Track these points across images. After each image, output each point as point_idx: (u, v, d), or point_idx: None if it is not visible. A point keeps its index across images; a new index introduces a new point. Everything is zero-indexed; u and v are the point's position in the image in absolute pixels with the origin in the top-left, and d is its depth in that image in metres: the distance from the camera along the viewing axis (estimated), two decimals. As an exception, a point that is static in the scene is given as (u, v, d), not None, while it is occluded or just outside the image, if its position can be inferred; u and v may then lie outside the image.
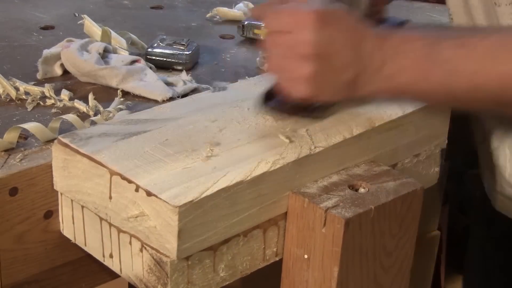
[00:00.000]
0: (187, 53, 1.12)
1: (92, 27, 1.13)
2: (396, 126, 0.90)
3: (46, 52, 1.07)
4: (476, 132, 1.09)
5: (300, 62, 0.82)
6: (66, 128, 0.90)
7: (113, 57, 1.07)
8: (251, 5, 1.37)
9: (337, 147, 0.84)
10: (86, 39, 1.09)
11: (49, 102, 0.98)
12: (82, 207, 0.82)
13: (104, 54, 1.07)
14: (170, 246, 0.73)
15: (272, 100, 0.89)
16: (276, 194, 0.80)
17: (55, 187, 0.84)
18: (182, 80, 1.06)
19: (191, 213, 0.73)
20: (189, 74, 1.09)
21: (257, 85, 0.97)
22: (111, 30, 1.12)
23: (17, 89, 0.99)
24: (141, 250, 0.77)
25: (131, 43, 1.16)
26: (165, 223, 0.73)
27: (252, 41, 1.24)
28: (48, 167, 0.83)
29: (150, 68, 1.07)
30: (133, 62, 1.07)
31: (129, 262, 0.79)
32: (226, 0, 1.40)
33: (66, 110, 0.97)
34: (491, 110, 0.94)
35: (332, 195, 0.81)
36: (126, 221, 0.77)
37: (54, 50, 1.08)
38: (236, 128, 0.86)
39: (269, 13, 0.85)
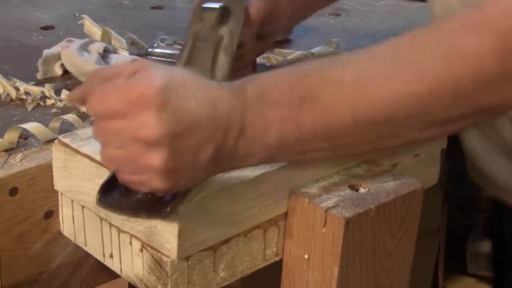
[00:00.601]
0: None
1: (92, 27, 1.13)
2: (396, 126, 0.90)
3: (46, 52, 1.07)
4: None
5: (147, 150, 0.66)
6: (66, 128, 0.90)
7: (113, 57, 1.07)
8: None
9: (337, 147, 0.84)
10: (86, 39, 1.09)
11: (49, 102, 0.98)
12: (82, 207, 0.82)
13: (104, 54, 1.07)
14: (170, 246, 0.73)
15: (112, 193, 0.72)
16: (276, 194, 0.80)
17: (55, 187, 0.84)
18: (182, 80, 1.06)
19: (191, 213, 0.73)
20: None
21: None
22: (111, 30, 1.12)
23: (17, 89, 1.00)
24: (141, 250, 0.77)
25: (131, 43, 1.16)
26: (165, 223, 0.73)
27: (252, 41, 1.24)
28: (48, 167, 0.83)
29: (150, 68, 1.07)
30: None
31: (129, 262, 0.79)
32: (225, 0, 1.40)
33: (66, 110, 0.97)
34: (378, 146, 0.78)
35: (332, 195, 0.81)
36: (126, 221, 0.77)
37: (54, 50, 1.08)
38: (236, 128, 0.86)
39: (94, 94, 0.68)
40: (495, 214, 1.14)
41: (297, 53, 1.16)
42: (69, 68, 1.06)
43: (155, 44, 1.13)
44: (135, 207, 0.71)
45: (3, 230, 0.81)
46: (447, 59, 0.68)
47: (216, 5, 0.91)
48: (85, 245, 0.84)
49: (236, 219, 0.78)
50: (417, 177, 0.88)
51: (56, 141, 0.83)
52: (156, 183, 0.68)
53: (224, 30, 0.90)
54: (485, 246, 1.82)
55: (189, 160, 0.68)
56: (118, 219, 0.77)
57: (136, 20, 1.32)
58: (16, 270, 0.84)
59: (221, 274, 0.79)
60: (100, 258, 0.83)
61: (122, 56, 1.08)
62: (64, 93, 0.99)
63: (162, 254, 0.75)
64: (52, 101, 0.98)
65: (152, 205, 0.71)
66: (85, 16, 1.15)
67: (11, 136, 0.86)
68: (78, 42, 1.07)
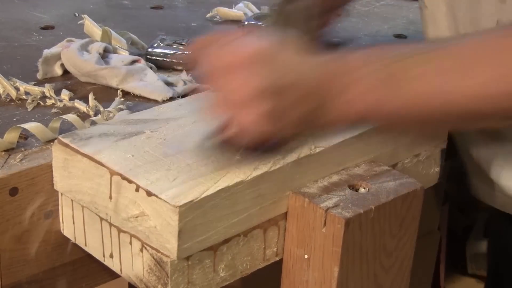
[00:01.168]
0: (187, 53, 1.12)
1: (92, 27, 1.13)
2: (396, 126, 0.90)
3: (46, 52, 1.07)
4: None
5: (254, 101, 0.76)
6: (66, 128, 0.90)
7: (113, 57, 1.07)
8: (251, 5, 1.37)
9: (337, 147, 0.84)
10: (86, 39, 1.09)
11: (49, 102, 0.98)
12: (82, 207, 0.82)
13: (104, 54, 1.07)
14: (170, 246, 0.73)
15: (222, 138, 0.81)
16: (276, 194, 0.80)
17: (55, 187, 0.84)
18: (182, 80, 1.06)
19: (191, 213, 0.73)
20: (189, 74, 1.09)
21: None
22: (111, 30, 1.12)
23: (17, 89, 1.00)
24: (141, 250, 0.77)
25: (131, 43, 1.16)
26: (165, 223, 0.73)
27: (252, 41, 1.24)
28: (48, 167, 0.83)
29: (150, 68, 1.07)
30: (133, 62, 1.07)
31: (129, 262, 0.79)
32: (226, 0, 1.40)
33: (66, 110, 0.97)
34: (467, 127, 0.89)
35: (332, 195, 0.81)
36: (126, 221, 0.77)
37: (54, 50, 1.08)
38: (236, 128, 0.86)
39: (211, 53, 0.79)
40: (494, 214, 1.14)
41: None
42: (69, 68, 1.06)
43: (155, 44, 1.13)
44: (245, 148, 0.80)
45: (3, 230, 0.81)
46: None
47: None
48: (85, 245, 0.84)
49: (236, 219, 0.78)
50: (417, 177, 0.88)
51: (56, 141, 0.83)
52: (262, 127, 0.77)
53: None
54: (485, 246, 1.82)
55: (288, 111, 0.77)
56: (118, 219, 0.78)
57: (136, 20, 1.32)
58: (16, 270, 0.84)
59: (221, 274, 0.79)
60: (100, 258, 0.83)
61: (122, 56, 1.08)
62: (64, 93, 0.99)
63: (162, 254, 0.75)
64: (52, 101, 0.98)
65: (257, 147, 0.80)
66: (85, 16, 1.15)
67: (11, 136, 0.86)
68: (78, 42, 1.07)
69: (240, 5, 1.37)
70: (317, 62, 0.78)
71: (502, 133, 1.00)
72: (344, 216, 0.77)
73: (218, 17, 1.35)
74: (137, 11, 1.37)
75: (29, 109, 0.97)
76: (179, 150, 0.81)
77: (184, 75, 1.08)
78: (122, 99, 0.99)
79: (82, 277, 0.90)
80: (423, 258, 1.42)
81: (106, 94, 1.02)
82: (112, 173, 0.77)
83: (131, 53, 1.11)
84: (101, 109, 0.96)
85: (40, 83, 1.03)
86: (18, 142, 0.87)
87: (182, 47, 1.12)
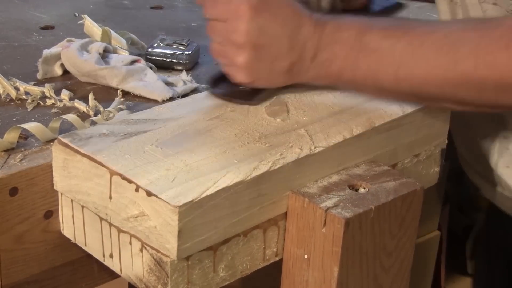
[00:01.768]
0: (187, 53, 1.12)
1: (92, 27, 1.13)
2: (396, 126, 0.90)
3: (46, 52, 1.07)
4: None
5: (235, 50, 0.86)
6: (66, 128, 0.90)
7: (113, 57, 1.07)
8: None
9: (337, 147, 0.84)
10: (86, 39, 1.09)
11: (49, 102, 0.98)
12: (82, 207, 0.82)
13: (104, 54, 1.07)
14: (170, 246, 0.73)
15: (221, 84, 0.94)
16: (276, 194, 0.80)
17: (55, 187, 0.84)
18: (182, 80, 1.06)
19: (191, 213, 0.73)
20: (189, 74, 1.09)
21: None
22: (111, 30, 1.12)
23: (17, 89, 0.99)
24: (141, 250, 0.77)
25: (131, 43, 1.16)
26: (165, 223, 0.73)
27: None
28: (48, 167, 0.83)
29: (150, 68, 1.07)
30: (133, 62, 1.06)
31: (129, 262, 0.79)
32: (226, 0, 1.40)
33: (66, 110, 0.97)
34: (419, 104, 0.94)
35: (332, 195, 0.81)
36: (126, 221, 0.77)
37: (54, 50, 1.08)
38: (236, 128, 0.86)
39: (208, 0, 0.88)
40: (492, 214, 1.14)
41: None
42: (69, 68, 1.06)
43: (155, 44, 1.13)
44: (235, 95, 0.91)
45: (3, 230, 0.81)
46: (477, 61, 0.81)
47: None
48: (85, 245, 0.84)
49: (236, 219, 0.78)
50: (417, 177, 0.88)
51: (56, 141, 0.83)
52: (240, 77, 0.88)
53: None
54: (485, 246, 1.82)
55: (266, 65, 0.87)
56: (118, 219, 0.78)
57: (136, 20, 1.32)
58: (16, 270, 0.84)
59: (221, 274, 0.79)
60: (100, 258, 0.83)
61: (122, 56, 1.08)
62: (64, 93, 0.99)
63: (162, 254, 0.75)
64: (52, 101, 0.98)
65: (247, 95, 0.91)
66: (85, 16, 1.14)
67: (11, 136, 0.86)
68: (78, 42, 1.07)
69: (240, 5, 1.37)
70: (312, 22, 0.86)
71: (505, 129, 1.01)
72: (344, 216, 0.77)
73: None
74: (137, 11, 1.37)
75: (29, 109, 0.97)
76: (179, 150, 0.81)
77: (184, 75, 1.08)
78: (122, 99, 0.99)
79: (82, 277, 0.90)
80: (423, 258, 1.42)
81: (106, 94, 1.02)
82: (112, 173, 0.77)
83: (131, 53, 1.11)
84: (101, 109, 0.95)
85: (40, 83, 1.03)
86: (18, 142, 0.87)
87: (182, 47, 1.12)
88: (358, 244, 0.80)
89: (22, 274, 0.84)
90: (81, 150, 0.80)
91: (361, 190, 0.83)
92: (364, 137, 0.87)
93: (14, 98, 0.98)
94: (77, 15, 1.27)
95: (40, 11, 1.32)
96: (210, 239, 0.76)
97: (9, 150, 0.85)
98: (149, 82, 1.03)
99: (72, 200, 0.83)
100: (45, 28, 1.25)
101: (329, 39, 0.86)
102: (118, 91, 1.02)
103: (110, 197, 0.77)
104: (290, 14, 0.86)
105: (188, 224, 0.73)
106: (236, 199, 0.77)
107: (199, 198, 0.73)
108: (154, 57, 1.12)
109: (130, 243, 0.78)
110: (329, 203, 0.79)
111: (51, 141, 0.87)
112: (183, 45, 1.13)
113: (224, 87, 0.93)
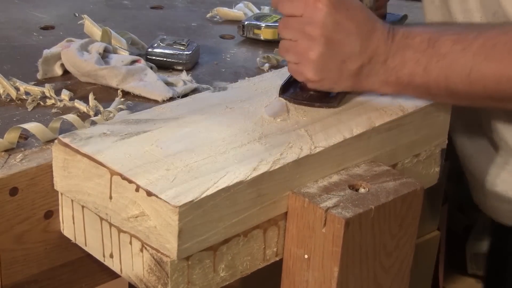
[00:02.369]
0: (187, 53, 1.12)
1: (92, 27, 1.13)
2: (396, 126, 0.90)
3: (46, 52, 1.07)
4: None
5: (308, 44, 0.86)
6: (67, 128, 0.90)
7: (113, 57, 1.07)
8: (251, 5, 1.37)
9: (337, 147, 0.84)
10: (86, 39, 1.09)
11: (49, 102, 0.98)
12: (82, 207, 0.82)
13: (104, 54, 1.07)
14: (170, 246, 0.73)
15: (290, 90, 0.93)
16: (276, 194, 0.80)
17: (55, 187, 0.84)
18: (182, 80, 1.06)
19: (191, 213, 0.73)
20: (189, 74, 1.09)
21: (257, 86, 0.97)
22: (111, 30, 1.12)
23: (17, 89, 1.00)
24: (141, 250, 0.77)
25: (131, 43, 1.16)
26: (165, 223, 0.73)
27: (252, 41, 1.24)
28: (48, 167, 0.83)
29: (151, 68, 1.07)
30: (133, 62, 1.07)
31: (129, 262, 0.79)
32: (226, 0, 1.40)
33: (66, 110, 0.97)
34: (490, 106, 0.97)
35: (332, 195, 0.81)
36: (126, 221, 0.77)
37: (54, 50, 1.08)
38: (236, 128, 0.86)
39: None
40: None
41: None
42: (69, 68, 1.06)
43: (155, 44, 1.13)
44: (309, 99, 0.91)
45: (3, 230, 0.81)
46: None
47: None
48: (85, 245, 0.84)
49: (236, 219, 0.78)
50: (417, 177, 0.88)
51: (56, 141, 0.83)
52: (309, 73, 0.87)
53: None
54: (485, 246, 1.82)
55: (337, 64, 0.87)
56: (118, 219, 0.78)
57: (136, 20, 1.32)
58: (16, 270, 0.84)
59: (221, 274, 0.79)
60: (100, 258, 0.83)
61: (122, 56, 1.08)
62: (64, 93, 0.99)
63: (162, 254, 0.75)
64: (52, 101, 0.98)
65: (322, 98, 0.91)
66: (85, 16, 1.15)
67: (11, 136, 0.86)
68: (78, 42, 1.07)
69: (240, 5, 1.37)
70: (374, 27, 0.87)
71: (498, 142, 1.02)
72: (344, 216, 0.77)
73: (218, 17, 1.35)
74: (137, 11, 1.37)
75: (29, 109, 0.97)
76: (179, 150, 0.81)
77: (184, 75, 1.08)
78: (122, 99, 0.99)
79: (82, 277, 0.90)
80: (423, 258, 1.42)
81: (106, 94, 1.02)
82: (112, 173, 0.77)
83: (131, 53, 1.11)
84: (101, 109, 0.95)
85: (40, 83, 1.03)
86: (18, 142, 0.87)
87: (182, 47, 1.12)
88: (358, 244, 0.80)
89: (22, 274, 0.84)
90: (81, 150, 0.80)
91: (361, 190, 0.83)
92: (364, 137, 0.87)
93: (14, 98, 0.98)
94: (77, 15, 1.27)
95: (40, 11, 1.32)
96: (210, 239, 0.76)
97: (9, 150, 0.85)
98: (149, 82, 1.03)
99: (72, 200, 0.83)
100: (45, 28, 1.25)
101: (401, 45, 0.87)
102: (118, 91, 1.02)
103: (110, 197, 0.77)
104: (365, 18, 0.87)
105: (188, 224, 0.73)
106: (236, 199, 0.77)
107: (199, 198, 0.73)
108: (154, 57, 1.12)
109: (130, 243, 0.78)
110: (329, 203, 0.79)
111: (51, 141, 0.87)
112: (183, 45, 1.13)
113: (295, 92, 0.93)
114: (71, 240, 0.85)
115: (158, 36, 1.17)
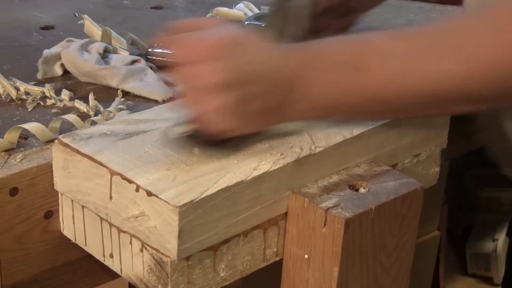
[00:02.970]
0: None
1: (92, 27, 1.13)
2: (396, 126, 0.90)
3: (46, 52, 1.07)
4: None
5: (208, 94, 0.76)
6: (67, 128, 0.90)
7: (113, 57, 1.07)
8: (251, 5, 1.37)
9: (337, 147, 0.84)
10: (86, 39, 1.09)
11: (49, 102, 0.98)
12: (83, 207, 0.82)
13: (104, 54, 1.07)
14: (170, 246, 0.73)
15: (185, 131, 0.83)
16: (276, 194, 0.80)
17: (55, 187, 0.84)
18: (182, 80, 1.06)
19: (191, 213, 0.73)
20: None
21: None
22: (111, 30, 1.12)
23: (17, 89, 0.99)
24: (141, 250, 0.77)
25: (131, 43, 1.16)
26: (165, 223, 0.73)
27: (252, 41, 1.24)
28: (49, 167, 0.83)
29: (151, 68, 1.07)
30: (133, 62, 1.06)
31: (129, 262, 0.79)
32: (226, 0, 1.40)
33: (66, 110, 0.97)
34: (431, 113, 0.88)
35: (332, 195, 0.81)
36: (127, 221, 0.77)
37: (54, 50, 1.08)
38: (236, 128, 0.86)
39: (175, 42, 0.80)
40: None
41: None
42: (69, 68, 1.06)
43: (155, 44, 1.13)
44: (203, 143, 0.80)
45: (3, 230, 0.81)
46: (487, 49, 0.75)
47: None
48: (85, 245, 0.84)
49: (236, 219, 0.78)
50: (417, 177, 0.88)
51: (56, 141, 0.83)
52: (217, 124, 0.78)
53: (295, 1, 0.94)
54: (485, 246, 1.82)
55: (240, 108, 0.77)
56: (118, 219, 0.78)
57: (136, 20, 1.32)
58: (16, 270, 0.84)
59: (221, 274, 0.79)
60: (100, 258, 0.83)
61: (122, 56, 1.08)
62: (64, 93, 0.99)
63: (162, 254, 0.75)
64: (52, 101, 0.98)
65: (217, 142, 0.80)
66: (85, 16, 1.14)
67: (11, 136, 0.86)
68: (78, 42, 1.07)
69: (240, 5, 1.37)
70: (282, 52, 0.78)
71: None
72: (344, 216, 0.77)
73: (218, 17, 1.35)
74: (137, 11, 1.37)
75: (29, 109, 0.97)
76: (179, 150, 0.81)
77: (184, 75, 1.08)
78: (122, 99, 0.99)
79: (82, 277, 0.90)
80: (423, 258, 1.42)
81: (106, 94, 1.02)
82: (112, 173, 0.77)
83: (131, 53, 1.11)
84: (101, 109, 0.95)
85: (40, 83, 1.03)
86: (18, 142, 0.87)
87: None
88: (358, 244, 0.80)
89: (22, 274, 0.84)
90: (81, 150, 0.80)
91: (361, 190, 0.83)
92: (364, 137, 0.87)
93: (14, 98, 0.98)
94: (77, 15, 1.27)
95: (40, 11, 1.32)
96: (210, 239, 0.76)
97: (9, 150, 0.85)
98: (149, 82, 1.03)
99: (72, 200, 0.83)
100: (45, 28, 1.25)
101: (308, 67, 0.78)
102: (118, 91, 1.02)
103: (111, 197, 0.77)
104: (258, 48, 0.78)
105: (189, 224, 0.73)
106: (236, 199, 0.77)
107: (199, 198, 0.73)
108: (154, 57, 1.11)
109: (130, 243, 0.78)
110: (329, 203, 0.79)
111: (51, 141, 0.87)
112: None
113: (191, 134, 0.82)
114: (71, 240, 0.85)
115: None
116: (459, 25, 0.79)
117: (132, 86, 1.03)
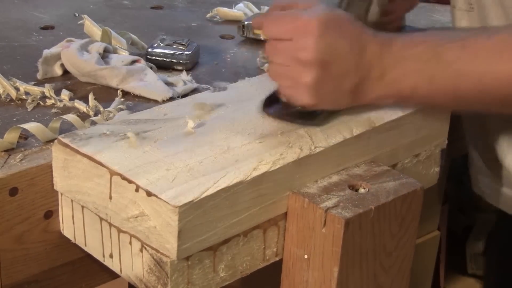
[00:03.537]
0: (187, 53, 1.12)
1: (92, 27, 1.13)
2: (396, 126, 0.90)
3: (46, 52, 1.07)
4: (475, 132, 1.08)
5: (301, 69, 0.82)
6: (66, 128, 0.90)
7: (113, 57, 1.07)
8: (251, 5, 1.37)
9: (337, 147, 0.84)
10: (86, 39, 1.09)
11: (49, 102, 0.98)
12: (82, 207, 0.82)
13: (104, 54, 1.07)
14: (170, 246, 0.73)
15: (274, 105, 0.88)
16: (276, 194, 0.80)
17: (55, 187, 0.84)
18: (182, 80, 1.06)
19: (191, 213, 0.73)
20: (189, 74, 1.09)
21: (257, 86, 0.97)
22: (111, 30, 1.12)
23: (17, 89, 1.00)
24: (141, 250, 0.77)
25: (131, 43, 1.16)
26: (165, 223, 0.73)
27: (252, 41, 1.24)
28: (48, 167, 0.83)
29: (151, 68, 1.07)
30: (133, 62, 1.07)
31: (129, 262, 0.79)
32: (226, 0, 1.40)
33: (66, 110, 0.97)
34: (498, 111, 0.92)
35: (332, 195, 0.81)
36: (126, 221, 0.77)
37: (54, 50, 1.08)
38: (236, 128, 0.86)
39: (269, 20, 0.84)
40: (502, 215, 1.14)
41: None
42: (69, 68, 1.06)
43: (155, 44, 1.13)
44: (293, 115, 0.87)
45: (3, 230, 0.81)
46: None
47: None
48: (85, 245, 0.84)
49: (236, 219, 0.78)
50: (417, 177, 0.88)
51: (56, 141, 0.83)
52: (305, 98, 0.84)
53: None
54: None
55: (333, 84, 0.83)
56: (118, 219, 0.78)
57: (136, 20, 1.32)
58: (16, 270, 0.84)
59: (221, 274, 0.79)
60: (100, 258, 0.83)
61: (122, 56, 1.08)
62: (64, 93, 0.99)
63: (162, 254, 0.75)
64: (52, 101, 0.98)
65: (306, 115, 0.86)
66: (85, 16, 1.15)
67: (11, 136, 0.86)
68: (78, 42, 1.07)
69: (240, 5, 1.37)
70: (366, 41, 0.84)
71: None
72: (344, 216, 0.77)
73: (218, 17, 1.35)
74: (137, 11, 1.37)
75: (29, 109, 0.97)
76: (179, 150, 0.81)
77: (184, 75, 1.08)
78: (122, 99, 0.99)
79: (82, 277, 0.90)
80: (423, 258, 1.42)
81: (106, 94, 1.02)
82: (112, 173, 0.77)
83: (131, 53, 1.11)
84: (101, 109, 0.96)
85: (40, 83, 1.03)
86: (18, 142, 0.87)
87: (182, 47, 1.12)
88: (358, 244, 0.80)
89: (22, 274, 0.84)
90: (81, 150, 0.80)
91: (361, 190, 0.83)
92: (364, 137, 0.87)
93: (14, 98, 0.98)
94: (77, 15, 1.27)
95: (40, 11, 1.32)
96: (210, 239, 0.76)
97: (9, 150, 0.85)
98: (149, 82, 1.03)
99: (72, 200, 0.83)
100: (45, 28, 1.25)
101: (398, 56, 0.84)
102: (118, 91, 1.02)
103: (110, 197, 0.77)
104: (356, 32, 0.84)
105: (188, 224, 0.73)
106: (236, 199, 0.77)
107: (199, 198, 0.73)
108: (154, 57, 1.12)
109: (130, 243, 0.78)
110: (329, 203, 0.79)
111: (51, 141, 0.87)
112: (183, 45, 1.13)
113: (279, 107, 0.88)
114: (71, 240, 0.85)
115: (158, 36, 1.17)
116: None
117: (132, 86, 1.03)
